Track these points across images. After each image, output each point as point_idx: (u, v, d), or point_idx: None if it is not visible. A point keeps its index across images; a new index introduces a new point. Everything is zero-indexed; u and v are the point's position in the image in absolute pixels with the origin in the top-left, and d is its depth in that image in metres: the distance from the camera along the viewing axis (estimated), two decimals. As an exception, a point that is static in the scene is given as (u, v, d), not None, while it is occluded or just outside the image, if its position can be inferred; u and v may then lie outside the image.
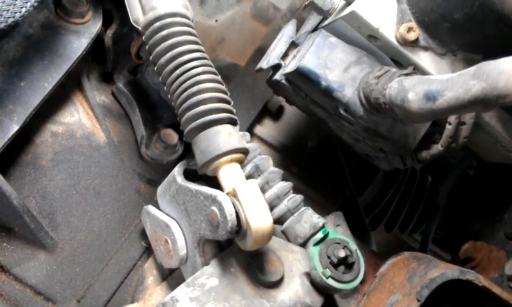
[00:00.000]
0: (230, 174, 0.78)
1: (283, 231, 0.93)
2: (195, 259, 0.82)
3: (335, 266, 0.87)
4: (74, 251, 0.93)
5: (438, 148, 0.90)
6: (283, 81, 0.97)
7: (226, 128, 0.79)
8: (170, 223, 0.86)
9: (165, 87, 0.83)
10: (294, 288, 0.81)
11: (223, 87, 0.82)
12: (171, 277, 0.93)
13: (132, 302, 0.94)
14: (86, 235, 0.95)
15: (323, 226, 0.91)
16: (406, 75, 0.81)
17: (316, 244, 0.89)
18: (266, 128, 1.21)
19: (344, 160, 1.29)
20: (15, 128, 0.84)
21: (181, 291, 0.75)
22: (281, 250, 0.83)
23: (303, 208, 0.93)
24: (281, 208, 0.91)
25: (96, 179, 0.97)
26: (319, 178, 1.22)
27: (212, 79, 0.80)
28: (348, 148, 1.11)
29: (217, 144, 0.77)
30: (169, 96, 0.83)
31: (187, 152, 1.06)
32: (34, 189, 0.92)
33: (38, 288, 0.90)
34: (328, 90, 0.89)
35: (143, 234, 0.97)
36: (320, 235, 0.90)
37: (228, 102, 0.81)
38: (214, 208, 0.74)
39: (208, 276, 0.76)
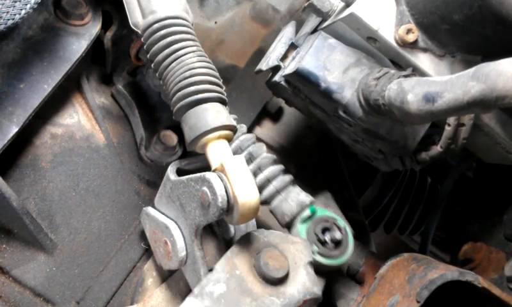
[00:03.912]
0: (217, 150, 0.79)
1: (271, 211, 0.94)
2: (194, 254, 0.81)
3: (323, 243, 0.89)
4: (73, 253, 0.93)
5: (437, 149, 0.90)
6: (283, 83, 0.97)
7: (215, 106, 0.80)
8: (169, 224, 0.86)
9: (161, 82, 0.84)
10: (301, 279, 0.81)
11: (216, 73, 0.83)
12: (171, 278, 0.93)
13: (132, 303, 0.94)
14: (86, 236, 0.95)
15: (310, 204, 0.92)
16: (405, 76, 0.81)
17: (304, 221, 0.91)
18: (265, 130, 1.21)
19: (343, 161, 1.29)
20: (15, 130, 0.84)
21: (190, 303, 0.74)
22: (282, 243, 0.83)
23: (291, 187, 0.93)
24: (269, 189, 0.92)
25: (95, 180, 0.97)
26: (318, 179, 1.22)
27: (205, 66, 0.81)
28: (347, 150, 1.11)
29: (205, 121, 0.78)
30: (164, 88, 0.84)
31: (187, 154, 1.06)
32: (33, 191, 0.92)
33: (37, 290, 0.90)
34: (327, 91, 0.89)
35: (143, 235, 0.97)
36: (307, 213, 0.91)
37: (219, 85, 0.82)
38: (204, 188, 0.75)
39: (215, 282, 0.76)
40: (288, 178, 0.94)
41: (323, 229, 0.91)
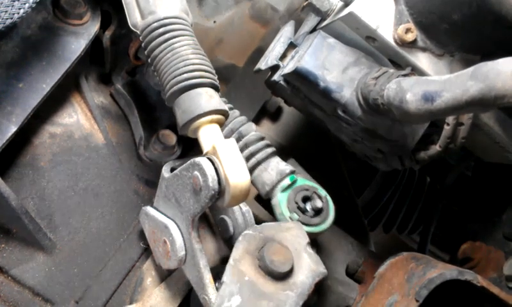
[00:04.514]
0: (209, 134, 0.80)
1: (252, 182, 0.95)
2: (192, 247, 0.81)
3: (303, 211, 0.91)
4: (72, 252, 0.93)
5: (436, 148, 0.90)
6: (282, 82, 0.97)
7: (208, 91, 0.81)
8: (168, 224, 0.85)
9: (155, 73, 0.84)
10: (306, 264, 0.81)
11: (210, 65, 0.84)
12: (170, 278, 0.93)
13: (131, 303, 0.94)
14: (85, 236, 0.95)
15: (290, 173, 0.93)
16: (404, 76, 0.81)
17: (284, 190, 0.92)
18: (265, 129, 1.21)
19: (342, 160, 1.29)
20: (13, 129, 0.84)
21: None
22: (278, 234, 0.83)
23: (271, 157, 0.95)
24: (251, 162, 0.94)
25: (94, 180, 0.97)
26: (317, 178, 1.22)
27: (200, 58, 0.82)
28: (346, 149, 1.11)
29: (198, 105, 0.79)
30: (158, 78, 0.84)
31: (186, 153, 1.06)
32: (32, 190, 0.92)
33: (36, 289, 0.90)
34: (326, 91, 0.89)
35: (142, 235, 0.97)
36: (287, 182, 0.93)
37: (212, 73, 0.83)
38: (195, 172, 0.75)
39: (229, 297, 0.75)
40: (270, 150, 0.95)
41: (303, 197, 0.92)
